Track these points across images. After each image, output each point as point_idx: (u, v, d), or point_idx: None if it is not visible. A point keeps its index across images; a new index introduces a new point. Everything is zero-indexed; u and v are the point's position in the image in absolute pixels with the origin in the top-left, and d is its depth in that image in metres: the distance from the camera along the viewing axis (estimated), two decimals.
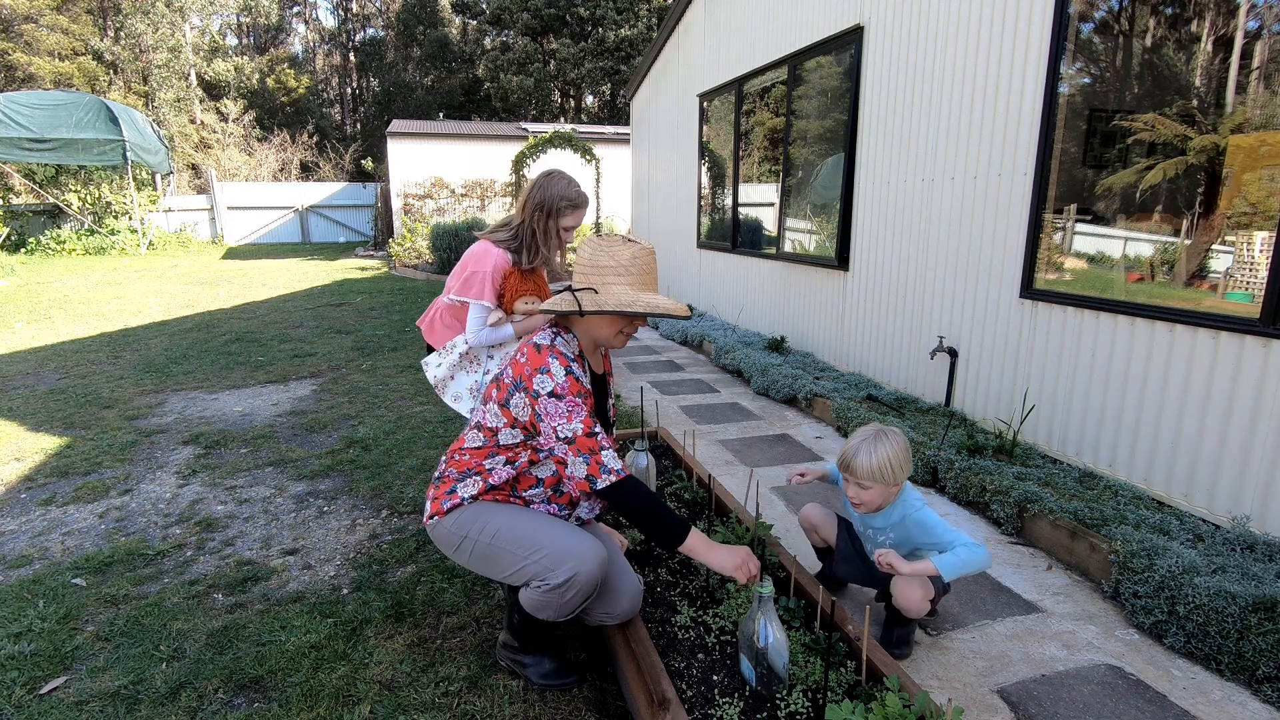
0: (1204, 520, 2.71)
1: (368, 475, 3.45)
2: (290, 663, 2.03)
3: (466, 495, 1.84)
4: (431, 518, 1.88)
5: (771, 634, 1.61)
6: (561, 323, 1.88)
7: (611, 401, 2.12)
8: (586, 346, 1.90)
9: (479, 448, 1.83)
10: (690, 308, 7.84)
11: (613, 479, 1.72)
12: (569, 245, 2.65)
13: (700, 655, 1.81)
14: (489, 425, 1.81)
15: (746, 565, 1.76)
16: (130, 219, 16.64)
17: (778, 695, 1.64)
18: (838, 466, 2.06)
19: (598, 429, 1.75)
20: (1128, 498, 2.86)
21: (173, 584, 2.48)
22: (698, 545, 1.77)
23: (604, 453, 1.73)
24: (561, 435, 1.72)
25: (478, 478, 1.84)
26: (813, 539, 2.44)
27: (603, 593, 1.85)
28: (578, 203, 2.53)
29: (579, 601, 1.77)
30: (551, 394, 1.71)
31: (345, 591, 2.43)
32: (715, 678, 1.73)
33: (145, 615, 2.28)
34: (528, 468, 1.86)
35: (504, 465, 1.84)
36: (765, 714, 1.59)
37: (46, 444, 3.89)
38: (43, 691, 1.92)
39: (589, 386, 1.82)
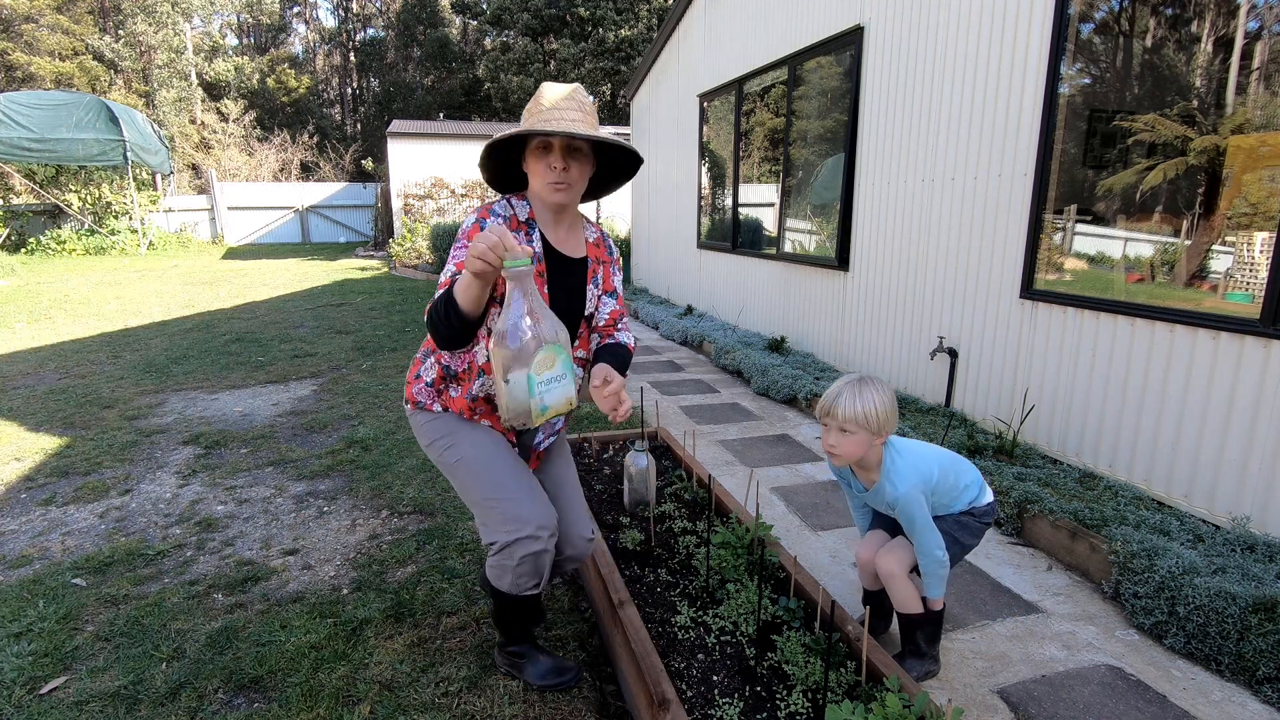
0: (1204, 521, 2.71)
1: (368, 475, 3.45)
2: (290, 663, 2.03)
3: (428, 378, 1.81)
4: (406, 403, 1.87)
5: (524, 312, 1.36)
6: (519, 193, 1.79)
7: (597, 293, 1.87)
8: (541, 215, 1.76)
9: None
10: (690, 308, 7.85)
11: (427, 309, 1.59)
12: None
13: (700, 655, 1.81)
14: None
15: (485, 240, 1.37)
16: (130, 219, 16.64)
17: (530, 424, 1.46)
18: (818, 413, 1.88)
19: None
20: (1128, 498, 2.86)
21: (173, 584, 2.48)
22: (456, 287, 1.48)
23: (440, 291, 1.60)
24: (440, 279, 1.64)
25: (433, 359, 1.81)
26: (868, 579, 2.13)
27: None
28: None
29: (529, 573, 1.72)
30: (456, 239, 1.68)
31: (345, 591, 2.43)
32: (715, 678, 1.73)
33: (145, 615, 2.28)
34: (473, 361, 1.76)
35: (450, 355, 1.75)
36: (765, 714, 1.59)
37: (46, 444, 3.89)
38: (43, 691, 1.92)
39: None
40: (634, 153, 1.74)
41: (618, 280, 1.96)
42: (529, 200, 1.76)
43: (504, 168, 1.79)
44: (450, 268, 1.63)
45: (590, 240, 1.88)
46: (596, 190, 1.87)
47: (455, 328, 1.49)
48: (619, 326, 1.93)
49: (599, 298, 1.89)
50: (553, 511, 1.76)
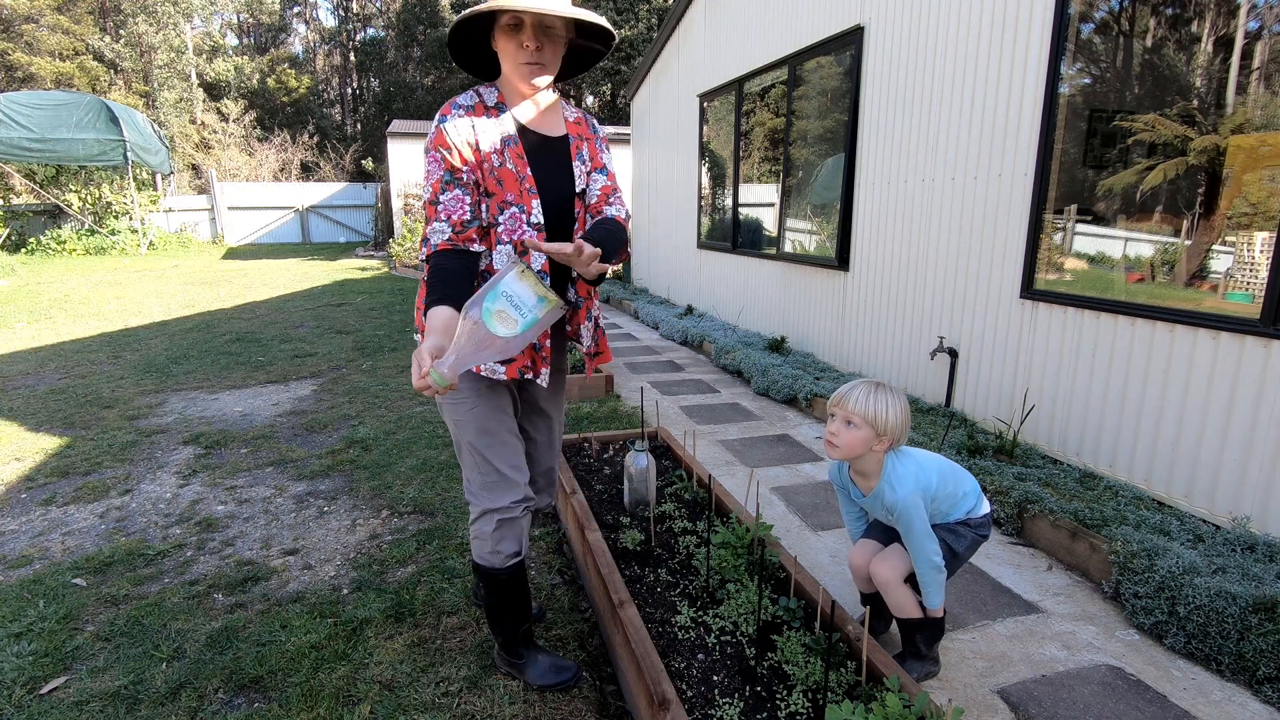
0: (1204, 521, 2.71)
1: (368, 475, 3.45)
2: (290, 663, 2.03)
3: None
4: (415, 332, 1.81)
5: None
6: (488, 82, 1.74)
7: (585, 169, 1.79)
8: (512, 98, 1.70)
9: None
10: (690, 308, 7.85)
11: (424, 253, 1.62)
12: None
13: (700, 655, 1.81)
14: None
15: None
16: (131, 219, 16.65)
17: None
18: (829, 404, 1.92)
19: (443, 196, 1.59)
20: (1128, 498, 2.86)
21: (173, 584, 2.48)
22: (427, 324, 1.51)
23: (432, 224, 1.60)
24: (423, 199, 1.61)
25: None
26: (861, 583, 2.14)
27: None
28: None
29: (507, 537, 1.77)
30: (425, 150, 1.63)
31: (345, 591, 2.43)
32: (715, 678, 1.73)
33: (145, 615, 2.28)
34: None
35: None
36: (765, 714, 1.59)
37: (47, 444, 3.89)
38: (43, 691, 1.92)
39: (458, 140, 1.61)
40: (609, 31, 1.67)
41: (606, 157, 1.88)
42: (498, 86, 1.70)
43: (479, 56, 1.72)
44: (428, 189, 1.62)
45: (570, 119, 1.81)
46: (567, 72, 1.79)
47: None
48: (610, 202, 1.85)
49: (588, 174, 1.82)
50: (527, 492, 1.83)
